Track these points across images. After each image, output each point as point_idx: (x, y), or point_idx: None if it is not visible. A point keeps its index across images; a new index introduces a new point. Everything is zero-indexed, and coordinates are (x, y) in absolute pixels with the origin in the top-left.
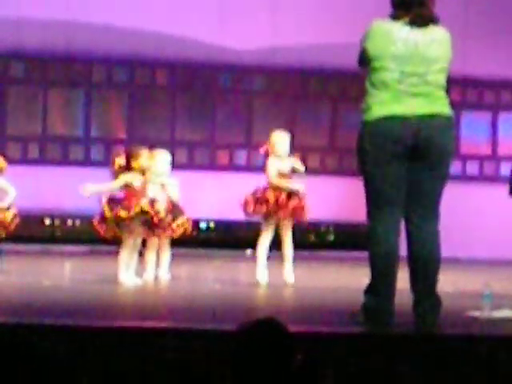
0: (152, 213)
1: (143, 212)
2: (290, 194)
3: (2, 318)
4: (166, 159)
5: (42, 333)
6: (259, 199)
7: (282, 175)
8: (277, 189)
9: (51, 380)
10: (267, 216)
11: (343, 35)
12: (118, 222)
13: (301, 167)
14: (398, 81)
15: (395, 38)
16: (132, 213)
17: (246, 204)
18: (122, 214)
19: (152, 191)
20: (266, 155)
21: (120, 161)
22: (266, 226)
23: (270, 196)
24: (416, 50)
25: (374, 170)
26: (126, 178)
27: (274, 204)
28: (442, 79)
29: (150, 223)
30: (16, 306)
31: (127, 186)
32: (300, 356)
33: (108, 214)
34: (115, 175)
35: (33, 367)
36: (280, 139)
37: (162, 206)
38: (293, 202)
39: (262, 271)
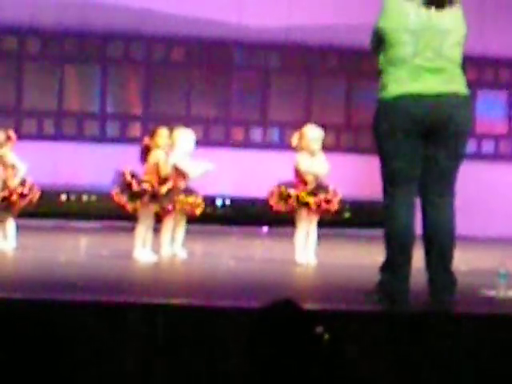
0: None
1: (147, 191)
2: (317, 189)
3: (18, 294)
4: (190, 138)
5: (57, 308)
6: (283, 195)
7: (309, 174)
8: (302, 184)
9: (66, 354)
10: (291, 212)
11: (358, 14)
12: (132, 196)
13: (323, 171)
14: (413, 55)
15: (408, 11)
16: (168, 187)
17: (271, 196)
18: (163, 189)
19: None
20: (297, 148)
21: (146, 140)
22: (298, 219)
23: (293, 194)
24: (429, 22)
25: (390, 148)
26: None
27: (294, 202)
28: (457, 54)
29: (158, 200)
30: (32, 281)
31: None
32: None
33: (136, 187)
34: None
35: (48, 342)
36: (313, 135)
37: (180, 184)
38: (316, 199)
39: (299, 255)
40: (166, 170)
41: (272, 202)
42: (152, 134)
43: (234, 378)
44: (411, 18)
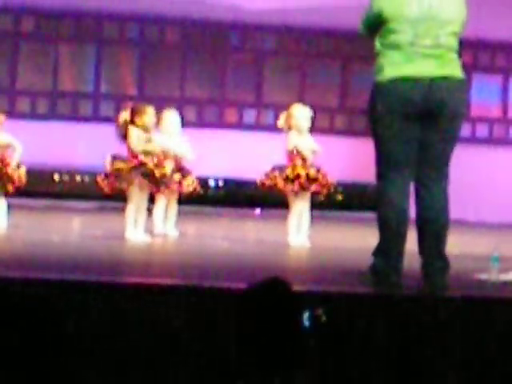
0: (151, 165)
1: (142, 164)
2: (307, 166)
3: (11, 273)
4: (175, 119)
5: (49, 287)
6: (275, 175)
7: (300, 153)
8: (293, 163)
9: (58, 333)
10: (284, 191)
11: None
12: (118, 174)
13: (318, 149)
14: (410, 43)
15: (410, 0)
16: (130, 164)
17: (263, 179)
18: (120, 165)
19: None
20: (285, 128)
21: (125, 115)
22: (290, 200)
23: (278, 175)
24: (429, 11)
25: (385, 132)
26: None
27: (282, 181)
28: (454, 42)
29: (152, 177)
30: (24, 260)
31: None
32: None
33: (109, 168)
34: (120, 129)
35: (40, 321)
36: (301, 114)
37: (167, 163)
38: (306, 172)
39: (292, 237)
40: (140, 147)
41: (259, 182)
42: (138, 112)
43: (224, 358)
44: (413, 7)
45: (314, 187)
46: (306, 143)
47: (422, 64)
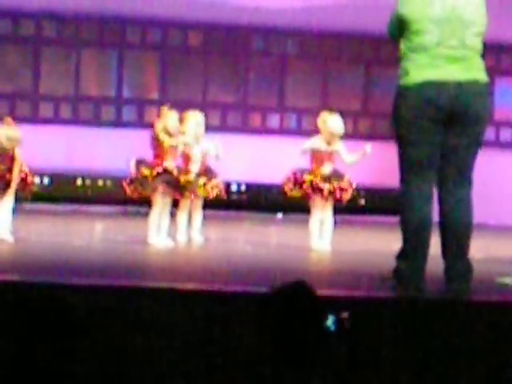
0: (175, 173)
1: (166, 171)
2: (330, 177)
3: (34, 277)
4: (199, 121)
5: (72, 292)
6: (297, 180)
7: (319, 155)
8: (316, 170)
9: (80, 337)
10: (305, 198)
11: None
12: (142, 180)
13: (344, 154)
14: (436, 43)
15: (432, 1)
16: (154, 171)
17: (286, 182)
18: (145, 172)
19: (182, 152)
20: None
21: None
22: (312, 205)
23: (307, 179)
24: (453, 12)
25: (409, 136)
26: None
27: (309, 187)
28: (478, 43)
29: (176, 183)
30: (47, 265)
31: (156, 147)
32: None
33: (134, 173)
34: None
35: (63, 326)
36: (330, 121)
37: (193, 167)
38: (330, 186)
39: (315, 241)
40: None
41: (287, 188)
42: (159, 116)
43: (247, 361)
44: (436, 8)
45: (318, 196)
46: (323, 146)
47: (448, 68)
